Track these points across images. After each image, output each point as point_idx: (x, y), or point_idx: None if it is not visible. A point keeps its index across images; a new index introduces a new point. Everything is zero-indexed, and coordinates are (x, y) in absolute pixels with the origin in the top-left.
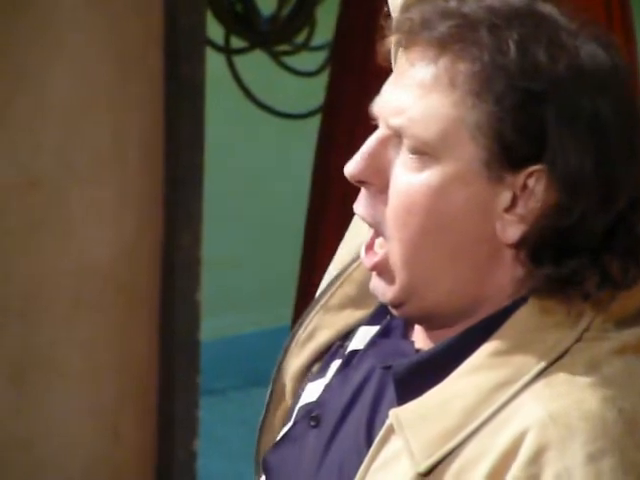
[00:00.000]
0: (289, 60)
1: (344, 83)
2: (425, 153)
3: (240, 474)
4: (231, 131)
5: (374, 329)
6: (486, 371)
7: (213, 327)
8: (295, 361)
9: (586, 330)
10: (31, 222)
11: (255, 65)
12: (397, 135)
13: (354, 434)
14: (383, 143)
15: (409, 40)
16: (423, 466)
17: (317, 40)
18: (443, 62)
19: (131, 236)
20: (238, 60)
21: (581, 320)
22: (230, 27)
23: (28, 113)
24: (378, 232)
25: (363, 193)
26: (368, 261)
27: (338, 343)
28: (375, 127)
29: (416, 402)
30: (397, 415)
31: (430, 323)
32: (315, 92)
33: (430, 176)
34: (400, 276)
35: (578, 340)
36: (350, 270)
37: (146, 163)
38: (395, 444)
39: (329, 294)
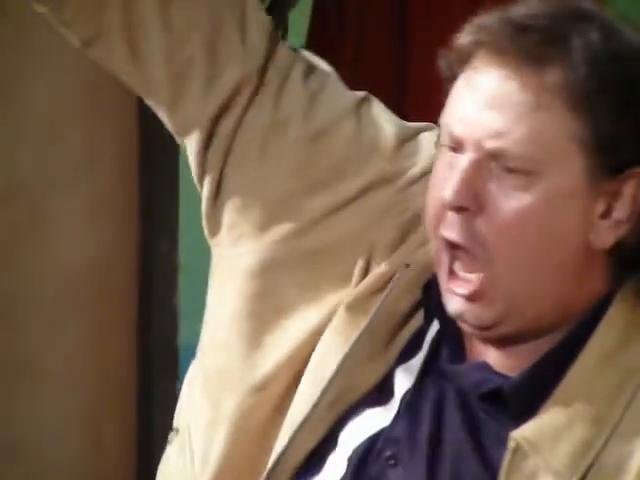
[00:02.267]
0: None
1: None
2: (530, 172)
3: None
4: None
5: (412, 364)
6: (600, 373)
7: (192, 333)
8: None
9: None
10: (10, 232)
11: None
12: (494, 157)
13: (461, 463)
14: (477, 167)
15: (498, 46)
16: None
17: (289, 43)
18: (542, 79)
19: (108, 243)
20: None
21: None
22: None
23: (4, 125)
24: (472, 255)
25: (456, 218)
26: (464, 288)
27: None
28: None
29: (539, 420)
30: (524, 437)
31: (519, 339)
32: None
33: (538, 193)
34: (504, 298)
35: None
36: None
37: (121, 170)
38: (528, 466)
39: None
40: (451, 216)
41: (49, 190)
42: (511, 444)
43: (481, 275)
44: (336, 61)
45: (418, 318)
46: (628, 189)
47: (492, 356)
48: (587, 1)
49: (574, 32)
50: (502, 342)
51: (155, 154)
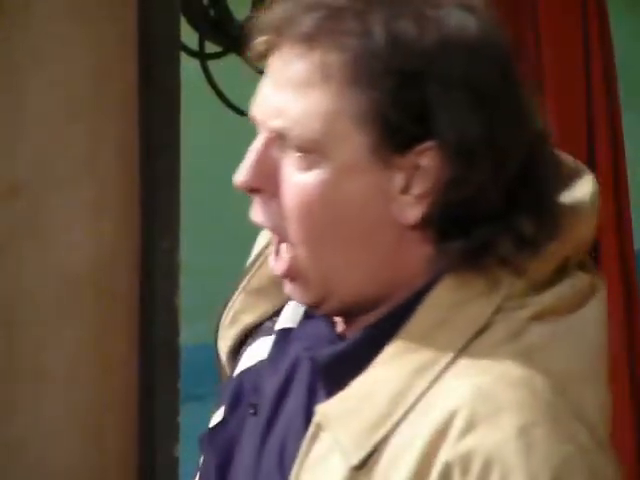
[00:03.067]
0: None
1: None
2: (312, 151)
3: None
4: (208, 135)
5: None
6: (407, 356)
7: (194, 333)
8: (223, 344)
9: (508, 298)
10: (11, 229)
11: (230, 69)
12: (280, 137)
13: (291, 423)
14: (267, 147)
15: (277, 39)
16: (356, 459)
17: None
18: (314, 57)
19: (110, 241)
20: (213, 64)
21: (499, 289)
22: (204, 32)
23: (4, 122)
24: (280, 237)
25: (257, 201)
26: (278, 268)
27: (268, 322)
28: None
29: (340, 395)
30: (324, 411)
31: (351, 315)
32: None
33: (321, 173)
34: (312, 277)
35: (498, 311)
36: (267, 252)
37: (123, 169)
38: (326, 440)
39: (248, 277)
40: (256, 200)
41: (49, 188)
42: (316, 418)
43: (288, 256)
44: None
45: None
46: (425, 162)
47: (339, 320)
48: None
49: (350, 10)
50: (342, 316)
51: (157, 153)
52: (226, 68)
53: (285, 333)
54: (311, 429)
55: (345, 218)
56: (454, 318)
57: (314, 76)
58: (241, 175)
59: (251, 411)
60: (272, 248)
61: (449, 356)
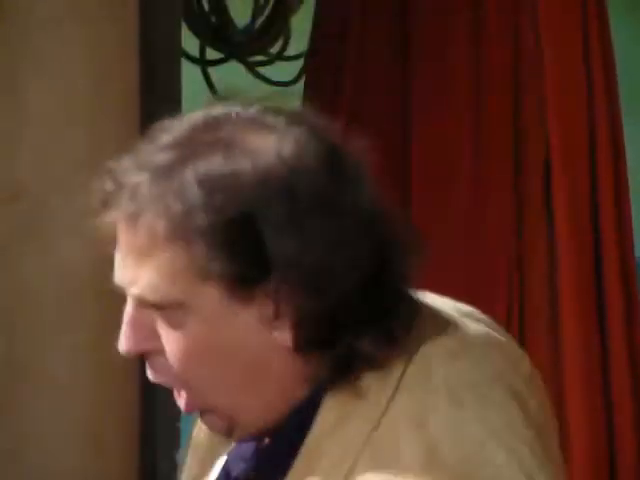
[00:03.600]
0: (265, 70)
1: (319, 92)
2: (175, 308)
3: None
4: None
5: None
6: (312, 470)
7: None
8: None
9: (390, 401)
10: (12, 231)
11: (231, 76)
12: (143, 302)
13: None
14: (137, 311)
15: (112, 214)
16: None
17: (292, 50)
18: (142, 229)
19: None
20: (214, 71)
21: (374, 397)
22: (205, 39)
23: (4, 124)
24: (178, 389)
25: (148, 362)
26: (184, 408)
27: None
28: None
29: None
30: None
31: (262, 436)
32: (291, 102)
33: (192, 326)
34: (217, 413)
35: (377, 424)
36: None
37: None
38: None
39: None
40: (147, 363)
41: (50, 191)
42: None
43: (190, 399)
44: (338, 65)
45: None
46: (268, 299)
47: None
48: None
49: (153, 177)
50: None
51: None
52: (227, 74)
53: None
54: None
55: (229, 360)
56: (340, 437)
57: (148, 245)
58: (123, 344)
59: None
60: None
61: (349, 457)
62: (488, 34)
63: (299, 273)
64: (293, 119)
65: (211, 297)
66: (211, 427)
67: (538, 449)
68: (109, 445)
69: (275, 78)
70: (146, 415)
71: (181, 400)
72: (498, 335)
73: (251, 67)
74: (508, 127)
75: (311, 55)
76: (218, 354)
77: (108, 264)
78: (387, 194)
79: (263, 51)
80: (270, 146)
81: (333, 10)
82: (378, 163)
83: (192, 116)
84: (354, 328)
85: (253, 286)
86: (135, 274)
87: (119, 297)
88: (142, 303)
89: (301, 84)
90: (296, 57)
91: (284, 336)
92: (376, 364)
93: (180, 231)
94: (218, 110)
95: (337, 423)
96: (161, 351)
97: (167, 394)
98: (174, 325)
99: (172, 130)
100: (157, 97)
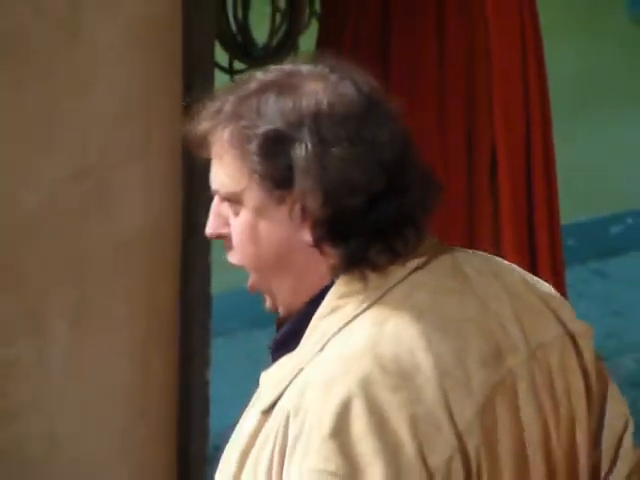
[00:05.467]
0: None
1: None
2: (234, 201)
3: (242, 395)
4: None
5: None
6: (310, 338)
7: (222, 283)
8: None
9: (379, 297)
10: (80, 206)
11: None
12: (219, 195)
13: None
14: (218, 204)
15: (203, 127)
16: (264, 407)
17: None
18: (219, 138)
19: (158, 216)
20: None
21: (370, 289)
22: (233, 53)
23: (77, 120)
24: (246, 267)
25: (225, 244)
26: (249, 288)
27: None
28: None
29: (271, 367)
30: (262, 376)
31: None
32: None
33: (243, 215)
34: (267, 293)
35: (368, 307)
36: None
37: (169, 159)
38: (254, 397)
39: None
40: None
41: (110, 173)
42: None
43: (251, 277)
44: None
45: None
46: (296, 203)
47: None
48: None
49: (230, 108)
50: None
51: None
52: None
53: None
54: (256, 392)
55: (266, 246)
56: (342, 307)
57: (221, 151)
58: (207, 228)
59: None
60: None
61: (317, 348)
62: (448, 36)
63: (320, 186)
64: (342, 73)
65: (255, 194)
66: (267, 304)
67: (473, 394)
68: (154, 369)
69: None
70: (184, 344)
71: (249, 280)
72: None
73: None
74: (462, 125)
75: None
76: (259, 239)
77: (156, 230)
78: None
79: (277, 63)
80: (318, 90)
81: (331, 32)
82: None
83: (275, 67)
84: (363, 235)
85: (284, 191)
86: (215, 174)
87: (164, 256)
88: (219, 197)
89: None
90: None
91: (306, 234)
92: (377, 269)
93: (239, 140)
94: (292, 65)
95: (333, 310)
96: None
97: (200, 328)
98: (235, 213)
99: (259, 75)
100: (197, 93)
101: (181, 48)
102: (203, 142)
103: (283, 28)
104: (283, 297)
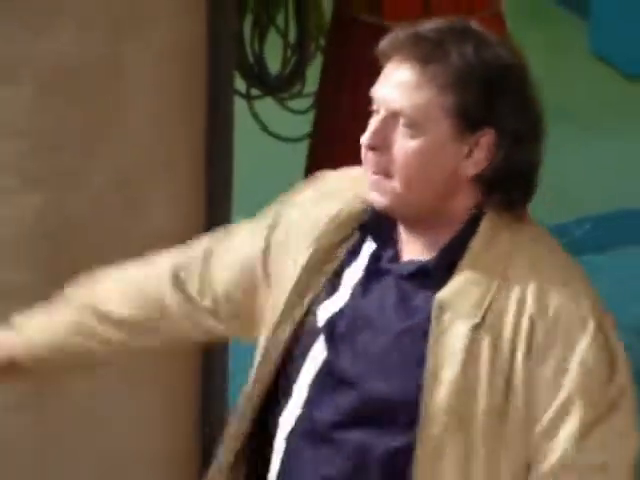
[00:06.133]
0: (289, 103)
1: (324, 118)
2: (416, 127)
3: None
4: (249, 150)
5: (355, 268)
6: (479, 263)
7: None
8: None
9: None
10: (130, 204)
11: (266, 107)
12: (394, 115)
13: (395, 325)
14: (384, 121)
15: (399, 53)
16: (476, 319)
17: (306, 90)
18: (426, 69)
19: (182, 214)
20: (255, 104)
21: (519, 221)
22: (250, 81)
23: (119, 134)
24: (384, 177)
25: (372, 155)
26: (382, 197)
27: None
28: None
29: (450, 287)
30: (442, 297)
31: (421, 231)
32: (305, 123)
33: (420, 142)
34: (403, 199)
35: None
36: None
37: (193, 170)
38: (447, 317)
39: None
40: (370, 154)
41: (147, 178)
42: (435, 303)
43: (390, 186)
44: (338, 101)
45: (344, 247)
46: (483, 141)
47: (411, 252)
48: (470, 22)
49: (452, 42)
50: (413, 232)
51: (216, 158)
52: (263, 105)
53: (364, 279)
54: (434, 312)
55: (430, 170)
56: (498, 234)
57: (423, 81)
58: (367, 139)
59: (359, 323)
60: (371, 187)
61: (505, 258)
62: None
63: (500, 134)
64: (501, 41)
65: (443, 128)
66: (382, 193)
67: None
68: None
69: (295, 108)
70: None
71: (380, 192)
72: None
73: (280, 101)
74: None
75: (319, 94)
76: (427, 165)
77: (183, 224)
78: None
79: (288, 90)
80: (501, 45)
81: (333, 62)
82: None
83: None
84: (513, 180)
85: (469, 131)
86: (401, 97)
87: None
88: (394, 116)
89: (312, 112)
90: (308, 95)
91: (470, 169)
92: (517, 211)
93: (450, 79)
94: (463, 21)
95: (488, 242)
96: (385, 152)
97: None
98: (411, 136)
99: (446, 21)
100: (217, 119)
101: (205, 77)
102: (400, 63)
103: (293, 59)
104: (417, 212)
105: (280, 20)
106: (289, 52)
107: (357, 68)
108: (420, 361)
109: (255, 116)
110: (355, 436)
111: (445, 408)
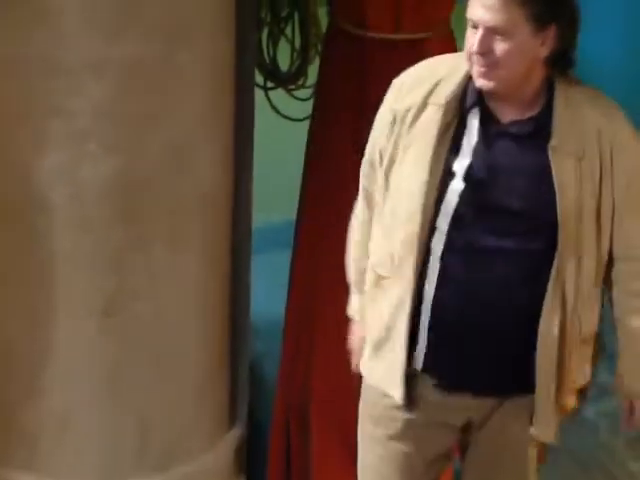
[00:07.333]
0: (295, 93)
1: (320, 104)
2: (507, 34)
3: (278, 297)
4: (264, 129)
5: (470, 136)
6: (567, 111)
7: (259, 220)
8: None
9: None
10: (181, 168)
11: (279, 96)
12: (492, 29)
13: (523, 168)
14: (485, 34)
15: None
16: (580, 154)
17: (308, 82)
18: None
19: (218, 177)
20: (270, 93)
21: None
22: (266, 76)
23: (174, 116)
24: (490, 67)
25: (481, 58)
26: (487, 78)
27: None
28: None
29: (554, 138)
30: (553, 144)
31: (506, 96)
32: (307, 108)
33: (511, 43)
34: (504, 79)
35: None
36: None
37: (227, 142)
38: (559, 157)
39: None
40: (477, 57)
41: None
42: (550, 148)
43: (496, 72)
44: (335, 91)
45: (454, 122)
46: (550, 34)
47: (508, 116)
48: None
49: None
50: (506, 103)
51: (242, 137)
52: (276, 95)
53: (477, 145)
54: (551, 153)
55: (520, 57)
56: (570, 92)
57: (507, 1)
58: (476, 47)
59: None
60: (480, 76)
61: (580, 106)
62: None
63: (562, 29)
64: None
65: (526, 31)
66: (489, 79)
67: None
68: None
69: (300, 96)
70: (233, 261)
71: (486, 76)
72: None
73: (288, 91)
74: None
75: (318, 86)
76: (521, 57)
77: (213, 197)
78: None
79: (294, 83)
80: None
81: (330, 64)
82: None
83: None
84: (566, 54)
85: (542, 30)
86: (494, 16)
87: (222, 214)
88: (492, 31)
89: (312, 100)
90: (310, 86)
91: (544, 52)
92: (570, 75)
93: (527, 1)
94: None
95: (566, 97)
96: (487, 54)
97: (244, 231)
98: (504, 40)
99: None
100: (245, 101)
101: (234, 73)
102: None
103: (298, 61)
104: (510, 87)
105: (288, 31)
106: (295, 55)
107: (345, 68)
108: (550, 187)
109: (270, 102)
110: (507, 244)
111: (572, 209)
